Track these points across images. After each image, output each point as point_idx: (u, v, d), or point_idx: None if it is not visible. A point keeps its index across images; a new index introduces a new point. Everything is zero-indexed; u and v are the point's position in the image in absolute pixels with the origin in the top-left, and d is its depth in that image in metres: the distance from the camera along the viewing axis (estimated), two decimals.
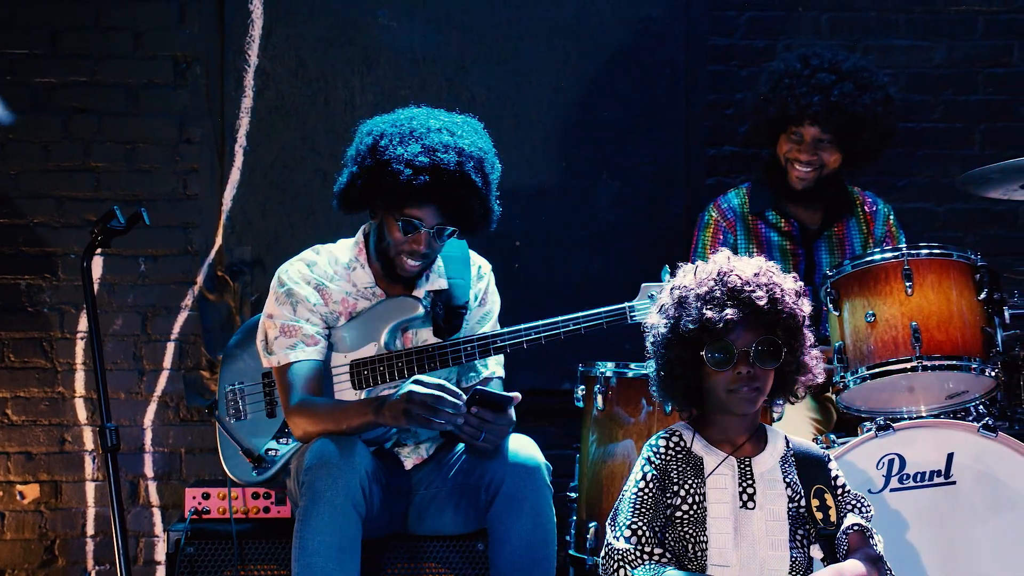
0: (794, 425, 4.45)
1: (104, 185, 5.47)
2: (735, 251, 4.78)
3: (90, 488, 5.44)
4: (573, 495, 4.50)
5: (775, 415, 4.13)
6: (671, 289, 3.22)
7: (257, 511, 4.43)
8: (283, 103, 5.48)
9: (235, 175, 5.46)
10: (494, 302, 4.28)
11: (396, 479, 4.03)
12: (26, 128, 5.47)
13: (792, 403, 3.31)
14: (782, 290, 3.16)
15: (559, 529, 3.96)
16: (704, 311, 3.10)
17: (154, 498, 5.46)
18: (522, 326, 4.03)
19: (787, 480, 3.20)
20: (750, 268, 3.17)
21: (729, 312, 3.08)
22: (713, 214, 5.00)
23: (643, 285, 4.05)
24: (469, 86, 5.50)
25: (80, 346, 5.42)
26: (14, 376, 5.43)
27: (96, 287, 5.41)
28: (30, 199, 5.45)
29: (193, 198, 5.50)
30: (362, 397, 4.01)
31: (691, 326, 3.11)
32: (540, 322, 4.02)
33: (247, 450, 4.24)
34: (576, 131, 5.54)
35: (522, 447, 3.89)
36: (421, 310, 4.05)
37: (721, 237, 4.94)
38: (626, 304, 4.03)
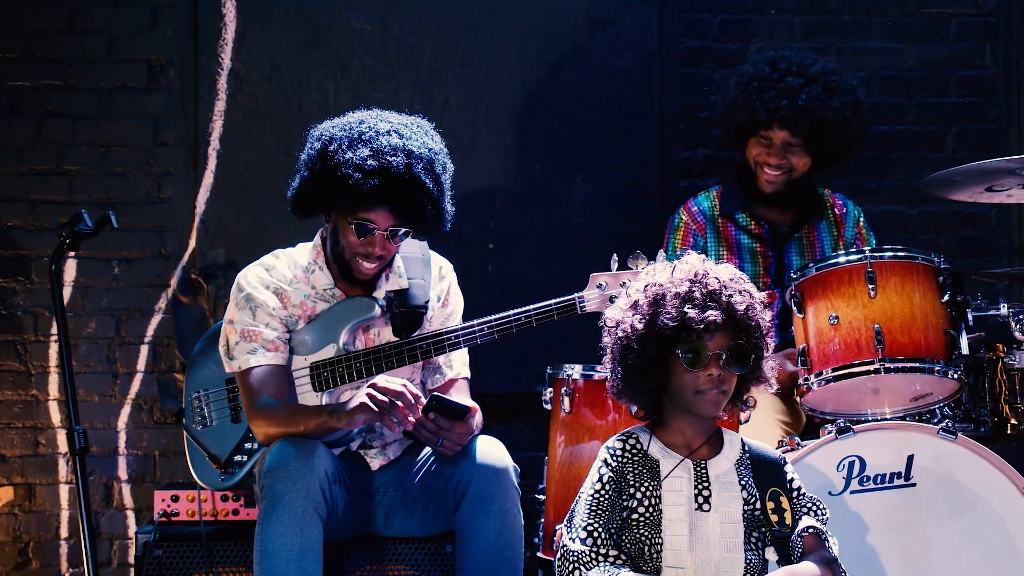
0: (763, 427, 4.46)
1: (78, 188, 5.47)
2: (705, 254, 4.79)
3: (64, 491, 5.44)
4: (541, 497, 4.48)
5: (743, 418, 4.14)
6: (645, 286, 3.22)
7: (226, 513, 4.43)
8: (257, 106, 5.48)
9: (208, 178, 5.46)
10: (457, 302, 4.29)
11: (362, 481, 4.04)
12: (1, 131, 5.46)
13: (743, 410, 3.33)
14: (752, 298, 3.19)
15: (527, 531, 3.98)
16: (685, 310, 3.11)
17: (128, 500, 5.46)
18: (475, 322, 4.03)
19: (742, 483, 3.22)
20: (725, 273, 3.20)
21: (711, 314, 3.10)
22: (683, 217, 5.00)
23: (592, 275, 4.03)
24: (443, 89, 5.50)
25: (54, 349, 5.42)
26: None
27: (70, 290, 5.42)
28: (3, 202, 5.45)
29: (167, 201, 5.50)
30: (323, 399, 4.03)
31: (670, 324, 3.12)
32: (492, 316, 4.02)
33: (213, 456, 4.26)
34: (549, 134, 5.54)
35: (490, 449, 3.91)
36: (377, 310, 4.06)
37: (691, 240, 4.95)
38: (575, 295, 4.02)
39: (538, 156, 5.55)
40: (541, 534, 4.43)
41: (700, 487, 3.19)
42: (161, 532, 4.29)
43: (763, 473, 3.24)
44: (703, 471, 3.21)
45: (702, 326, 3.10)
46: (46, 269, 5.19)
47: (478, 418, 3.98)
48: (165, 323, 5.49)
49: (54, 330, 5.40)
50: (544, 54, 5.55)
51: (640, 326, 3.17)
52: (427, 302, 4.17)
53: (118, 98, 5.50)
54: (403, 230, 3.98)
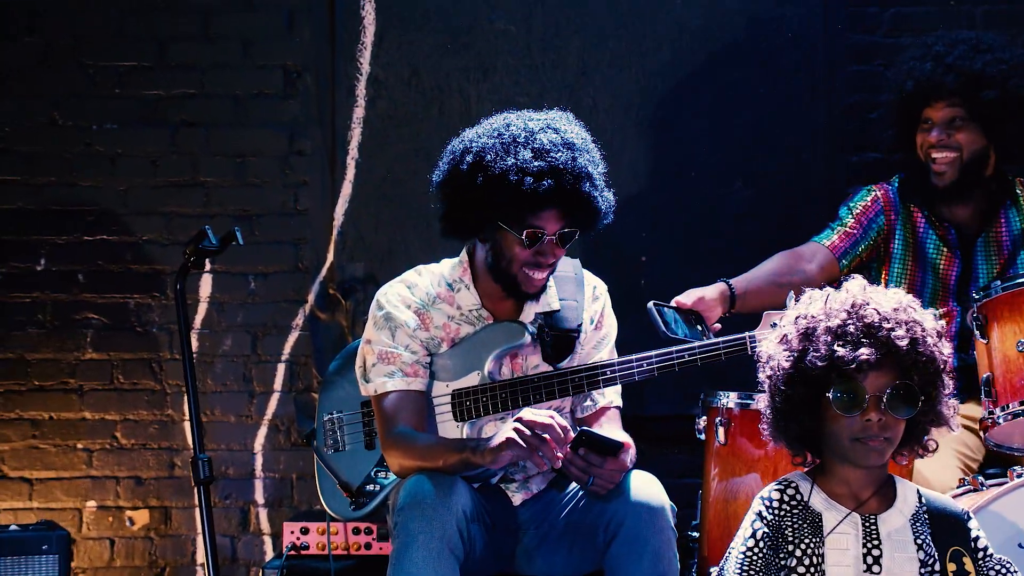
0: (939, 459, 4.05)
1: (213, 200, 5.39)
2: (888, 235, 4.57)
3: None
4: (695, 534, 4.25)
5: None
6: (796, 318, 2.91)
7: (358, 547, 4.33)
8: (396, 112, 5.35)
9: (347, 188, 5.35)
10: (611, 325, 4.02)
11: (503, 517, 3.80)
12: (134, 142, 5.40)
13: (921, 456, 2.96)
14: (923, 330, 2.83)
15: (680, 571, 3.69)
16: (835, 347, 2.78)
17: (265, 526, 5.36)
18: (633, 357, 3.78)
19: (918, 541, 2.87)
20: (888, 302, 2.85)
21: (864, 352, 2.76)
22: (876, 191, 4.66)
23: (765, 313, 3.78)
24: (590, 92, 5.31)
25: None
26: (123, 398, 5.37)
27: (205, 306, 5.37)
28: (138, 215, 5.39)
29: (304, 213, 5.39)
30: (464, 430, 3.81)
31: (818, 363, 2.80)
32: (653, 352, 3.78)
33: (344, 483, 4.07)
34: (705, 138, 5.32)
35: (645, 486, 3.62)
36: (527, 337, 3.83)
37: (871, 215, 4.60)
38: (747, 334, 3.76)
39: (693, 162, 5.32)
40: (695, 575, 4.17)
41: (869, 545, 2.86)
42: (289, 567, 4.21)
43: (943, 530, 2.90)
44: (872, 527, 2.87)
45: (854, 365, 2.76)
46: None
47: (632, 453, 3.71)
48: (302, 340, 5.37)
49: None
50: (698, 53, 5.32)
51: (787, 364, 2.86)
52: (580, 325, 3.92)
53: (253, 106, 5.41)
54: (572, 232, 3.75)
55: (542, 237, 3.70)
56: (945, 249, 4.56)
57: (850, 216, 4.61)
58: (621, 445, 3.59)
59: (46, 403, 5.35)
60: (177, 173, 5.39)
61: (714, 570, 3.94)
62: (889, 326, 2.79)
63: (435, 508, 3.46)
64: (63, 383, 5.35)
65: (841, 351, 2.77)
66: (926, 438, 2.91)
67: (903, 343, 2.78)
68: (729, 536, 3.85)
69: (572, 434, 3.50)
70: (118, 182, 5.39)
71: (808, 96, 5.32)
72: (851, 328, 2.80)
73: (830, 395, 2.81)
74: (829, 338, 2.80)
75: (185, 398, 5.18)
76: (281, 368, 5.38)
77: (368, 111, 5.33)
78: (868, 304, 2.83)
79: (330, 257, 5.34)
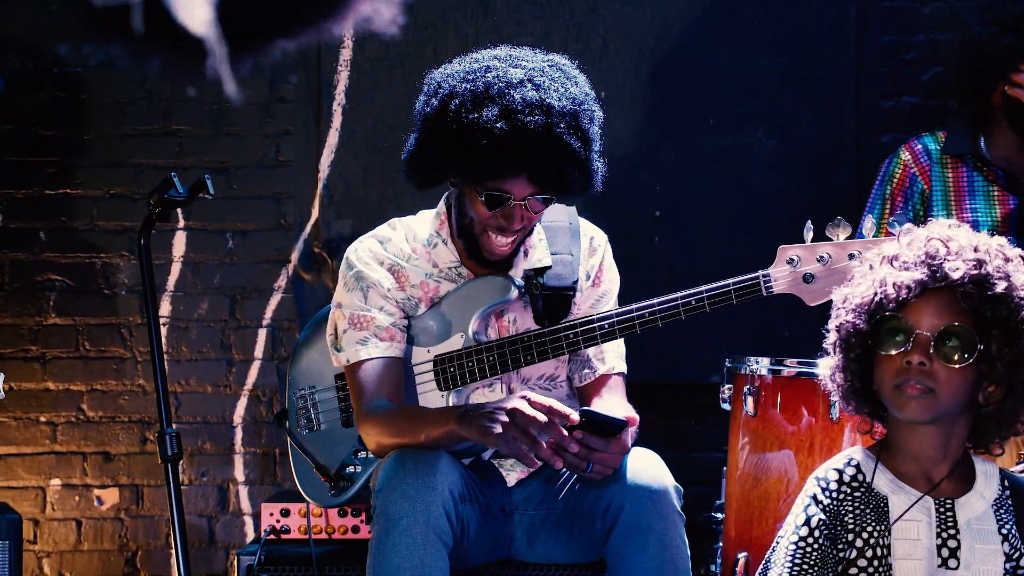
0: None
1: (187, 151, 5.02)
2: (926, 201, 4.27)
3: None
4: (719, 515, 3.89)
5: None
6: (863, 257, 2.55)
7: (344, 530, 3.91)
8: (387, 54, 4.99)
9: (333, 138, 5.00)
10: (611, 280, 3.63)
11: (498, 497, 3.46)
12: (101, 88, 5.03)
13: (998, 455, 2.52)
14: (999, 271, 2.38)
15: (702, 559, 3.54)
16: (884, 274, 2.41)
17: (245, 505, 5.03)
18: (633, 306, 3.39)
19: (1003, 531, 2.46)
20: (967, 239, 2.43)
21: (905, 276, 2.37)
22: (903, 156, 4.31)
23: (780, 248, 3.34)
24: (600, 31, 4.94)
25: (163, 333, 4.96)
26: (90, 367, 5.03)
27: (179, 267, 5.04)
28: (105, 168, 5.03)
29: (286, 164, 5.04)
30: (450, 399, 3.47)
31: (865, 295, 2.43)
32: (656, 299, 3.37)
33: (321, 467, 3.73)
34: (726, 82, 4.96)
35: (645, 466, 3.26)
36: (514, 292, 3.46)
37: (907, 184, 4.29)
38: (759, 273, 3.33)
39: (713, 108, 4.97)
40: (719, 561, 3.83)
41: (944, 535, 2.45)
42: (267, 553, 3.76)
43: None
44: (949, 513, 2.46)
45: (899, 292, 2.36)
46: (154, 242, 4.78)
47: (633, 429, 3.34)
48: (285, 303, 5.04)
49: (163, 311, 5.00)
50: None
51: (841, 303, 2.49)
52: (575, 282, 3.55)
53: None
54: (544, 197, 3.35)
55: (507, 201, 3.32)
56: (996, 190, 4.25)
57: (888, 191, 4.34)
58: (624, 423, 3.22)
59: (6, 372, 4.85)
60: (148, 121, 5.04)
61: (742, 556, 3.65)
62: (952, 256, 2.38)
63: (417, 489, 3.13)
64: (24, 351, 5.03)
65: (888, 275, 2.40)
66: (1019, 423, 2.45)
67: (956, 274, 2.35)
68: (758, 517, 3.65)
69: (576, 416, 3.12)
70: (84, 131, 5.05)
71: (838, 36, 4.99)
72: (909, 256, 2.40)
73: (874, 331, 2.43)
74: (885, 267, 2.43)
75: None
76: (262, 334, 5.05)
77: (356, 52, 4.99)
78: (940, 238, 2.42)
79: (315, 213, 5.02)
